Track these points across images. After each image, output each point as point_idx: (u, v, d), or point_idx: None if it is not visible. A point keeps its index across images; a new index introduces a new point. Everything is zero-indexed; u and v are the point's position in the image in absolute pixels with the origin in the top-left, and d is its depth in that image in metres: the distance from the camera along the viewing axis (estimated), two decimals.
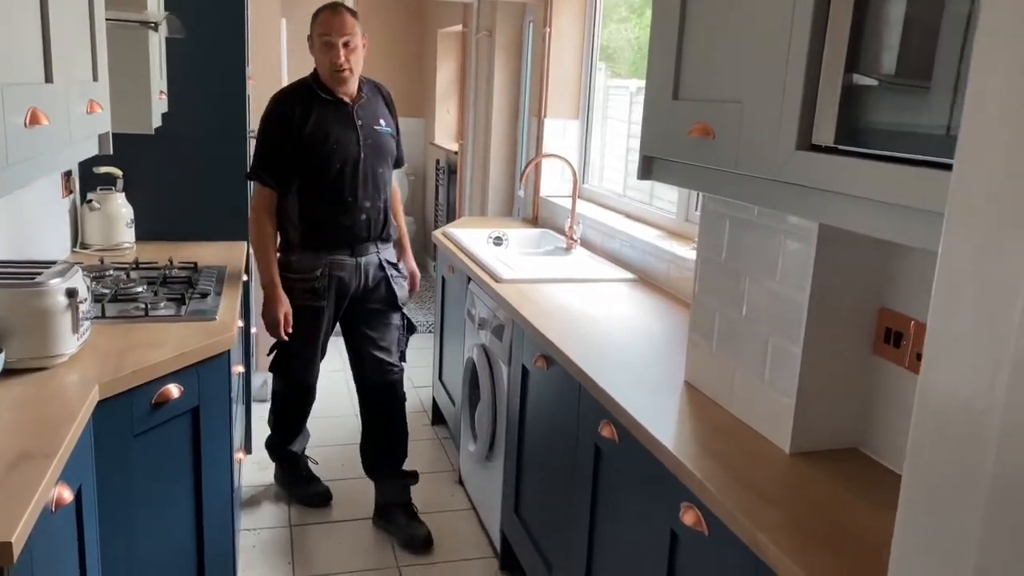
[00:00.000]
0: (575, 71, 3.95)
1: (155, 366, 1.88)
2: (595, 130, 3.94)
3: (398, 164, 2.82)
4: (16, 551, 1.15)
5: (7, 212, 2.26)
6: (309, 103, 2.59)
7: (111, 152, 1.96)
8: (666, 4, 1.66)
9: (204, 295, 2.38)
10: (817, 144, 1.24)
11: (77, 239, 2.91)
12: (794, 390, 1.56)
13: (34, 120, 1.30)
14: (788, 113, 1.27)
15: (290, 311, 2.66)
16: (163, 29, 2.68)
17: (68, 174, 2.81)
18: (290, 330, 2.66)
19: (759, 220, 1.67)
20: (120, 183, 2.96)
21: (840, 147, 1.20)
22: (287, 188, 2.62)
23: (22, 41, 1.34)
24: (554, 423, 2.25)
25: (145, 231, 3.07)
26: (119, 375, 1.79)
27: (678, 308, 2.58)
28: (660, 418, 1.72)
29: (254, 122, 3.62)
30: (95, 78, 1.82)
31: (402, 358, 2.88)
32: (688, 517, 1.48)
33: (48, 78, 1.43)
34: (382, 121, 2.69)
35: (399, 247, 2.93)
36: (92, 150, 1.87)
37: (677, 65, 1.64)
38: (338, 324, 2.84)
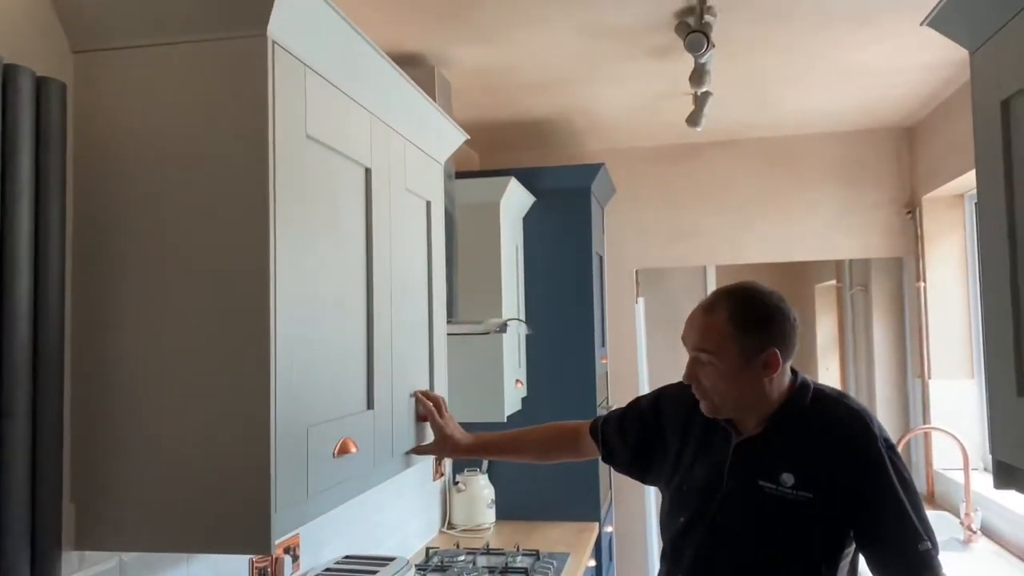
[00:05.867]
0: (962, 326, 3.48)
1: None
2: None
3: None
4: None
5: (385, 495, 2.56)
6: (698, 413, 1.73)
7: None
8: (996, 294, 1.40)
9: None
10: None
11: (445, 519, 3.17)
12: None
13: (343, 450, 1.48)
14: None
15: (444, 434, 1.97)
16: (519, 328, 2.99)
17: (439, 459, 3.13)
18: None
19: None
20: (485, 464, 3.21)
21: None
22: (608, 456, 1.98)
23: (345, 380, 1.56)
24: None
25: (505, 510, 3.25)
26: None
27: None
28: None
29: (608, 400, 3.76)
30: (431, 387, 2.05)
31: None
32: None
33: (369, 405, 1.64)
34: (785, 478, 1.62)
35: None
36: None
37: (1018, 357, 1.34)
38: None
